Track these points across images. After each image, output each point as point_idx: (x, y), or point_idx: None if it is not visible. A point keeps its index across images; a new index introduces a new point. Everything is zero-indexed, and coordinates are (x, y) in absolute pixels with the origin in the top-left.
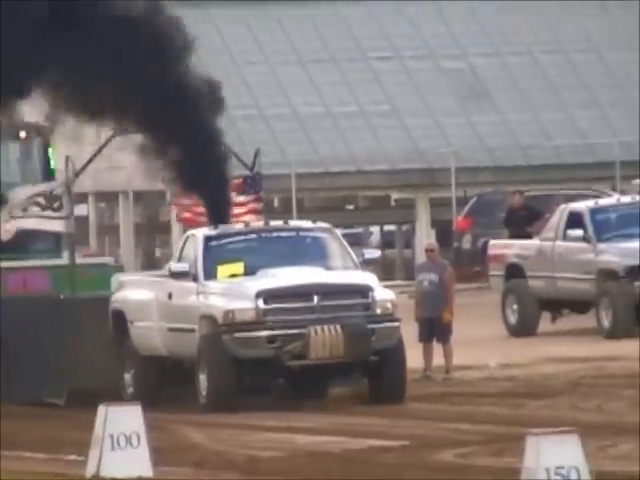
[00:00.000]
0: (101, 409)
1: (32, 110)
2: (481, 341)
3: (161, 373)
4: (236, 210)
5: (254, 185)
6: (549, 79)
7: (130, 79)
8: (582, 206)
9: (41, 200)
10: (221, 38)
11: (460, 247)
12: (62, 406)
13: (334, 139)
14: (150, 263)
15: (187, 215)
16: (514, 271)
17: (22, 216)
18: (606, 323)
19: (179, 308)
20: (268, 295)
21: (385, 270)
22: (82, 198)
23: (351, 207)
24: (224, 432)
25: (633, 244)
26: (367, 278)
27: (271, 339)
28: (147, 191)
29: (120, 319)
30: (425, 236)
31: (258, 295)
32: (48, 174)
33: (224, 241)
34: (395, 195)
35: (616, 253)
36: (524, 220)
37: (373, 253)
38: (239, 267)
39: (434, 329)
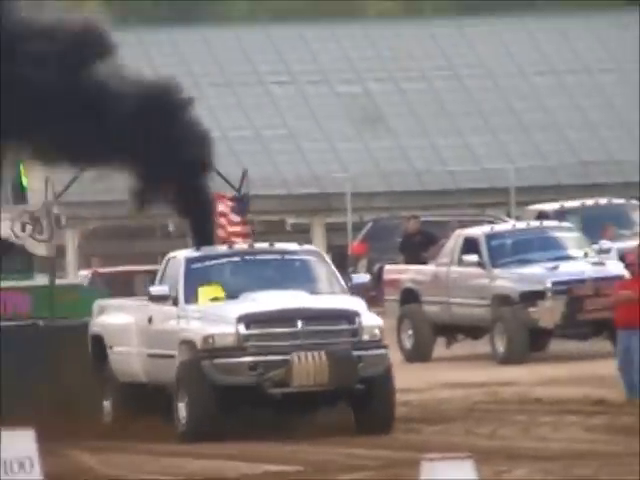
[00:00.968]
0: None
1: None
2: None
3: (141, 400)
4: (231, 229)
5: (241, 207)
6: (444, 104)
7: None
8: (477, 232)
9: (25, 221)
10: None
11: (356, 272)
12: None
13: (229, 163)
14: None
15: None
16: (409, 296)
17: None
18: (500, 348)
19: (159, 333)
20: (250, 320)
21: None
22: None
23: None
24: (120, 457)
25: (528, 270)
26: (354, 303)
27: (252, 366)
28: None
29: (99, 344)
30: None
31: (239, 319)
32: (21, 197)
33: (207, 263)
34: (291, 220)
35: (511, 279)
36: (419, 245)
37: (362, 278)
38: (220, 290)
39: None
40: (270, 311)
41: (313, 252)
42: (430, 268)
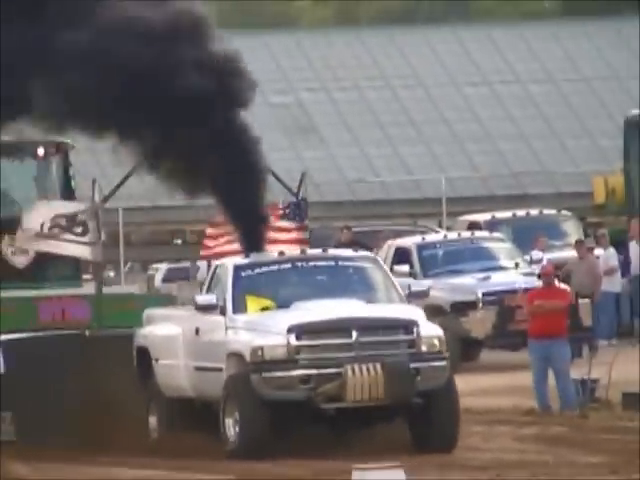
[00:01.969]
0: None
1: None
2: None
3: (188, 416)
4: (278, 235)
5: (298, 212)
6: (376, 114)
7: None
8: (409, 242)
9: (62, 222)
10: None
11: None
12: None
13: None
14: None
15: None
16: None
17: (41, 239)
18: None
19: (206, 344)
20: (301, 330)
21: None
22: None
23: (179, 241)
24: (52, 465)
25: (459, 280)
26: (412, 312)
27: (304, 379)
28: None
29: (144, 356)
30: None
31: (290, 330)
32: (67, 194)
33: (256, 271)
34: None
35: (442, 289)
36: None
37: (421, 285)
38: (270, 299)
39: None
40: (323, 321)
41: (369, 258)
42: None
